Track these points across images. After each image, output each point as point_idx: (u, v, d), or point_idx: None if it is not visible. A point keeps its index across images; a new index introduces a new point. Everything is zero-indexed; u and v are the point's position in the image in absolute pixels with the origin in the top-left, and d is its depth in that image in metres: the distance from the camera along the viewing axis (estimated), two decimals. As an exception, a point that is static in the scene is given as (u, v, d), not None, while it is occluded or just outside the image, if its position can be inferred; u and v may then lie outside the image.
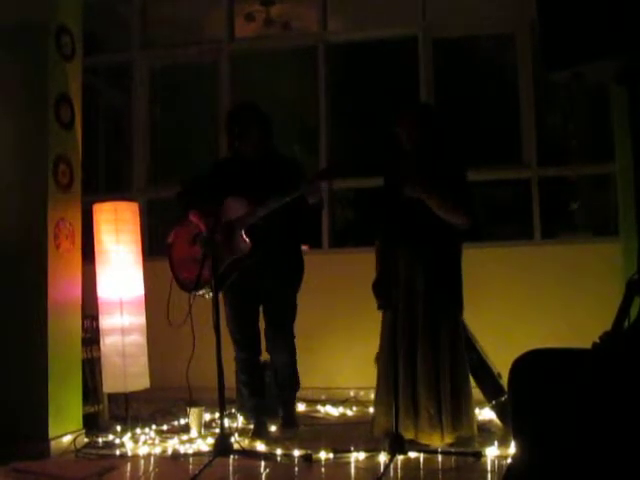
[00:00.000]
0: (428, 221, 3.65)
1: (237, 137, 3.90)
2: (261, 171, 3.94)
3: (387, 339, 3.71)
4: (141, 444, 3.91)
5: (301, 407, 4.90)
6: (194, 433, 4.09)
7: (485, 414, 4.35)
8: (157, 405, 4.75)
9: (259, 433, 3.98)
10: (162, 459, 3.68)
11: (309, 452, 3.52)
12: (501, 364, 3.97)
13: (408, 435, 3.56)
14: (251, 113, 3.99)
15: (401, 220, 3.65)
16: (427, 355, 3.64)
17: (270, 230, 3.82)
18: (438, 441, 3.61)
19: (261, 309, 4.10)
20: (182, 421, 4.41)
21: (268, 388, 4.18)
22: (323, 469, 3.42)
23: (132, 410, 4.27)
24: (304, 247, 4.32)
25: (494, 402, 4.02)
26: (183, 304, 3.78)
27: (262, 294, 4.00)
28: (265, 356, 4.18)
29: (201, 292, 3.82)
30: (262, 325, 4.14)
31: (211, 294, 3.77)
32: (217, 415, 3.71)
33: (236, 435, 3.78)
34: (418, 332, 3.66)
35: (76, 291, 4.04)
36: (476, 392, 4.05)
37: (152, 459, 3.68)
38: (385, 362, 3.70)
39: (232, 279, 3.84)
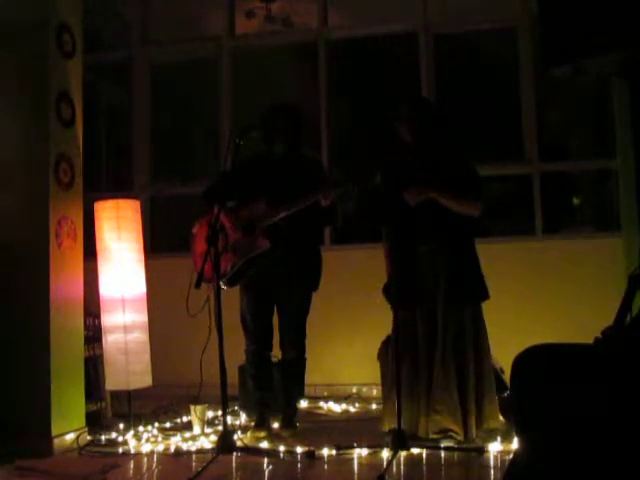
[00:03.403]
0: (440, 217, 3.66)
1: (271, 137, 4.00)
2: (287, 171, 4.01)
3: (406, 339, 3.70)
4: (144, 442, 3.92)
5: (304, 404, 4.91)
6: (197, 430, 4.10)
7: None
8: (160, 402, 4.75)
9: (261, 425, 4.00)
10: (165, 456, 3.69)
11: (312, 449, 3.52)
12: (503, 359, 3.97)
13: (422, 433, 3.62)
14: (288, 115, 4.05)
15: (417, 217, 3.67)
16: (447, 353, 3.64)
17: (290, 230, 3.88)
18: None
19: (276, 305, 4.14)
20: (185, 418, 4.42)
21: (275, 385, 4.18)
22: (326, 466, 3.42)
23: (135, 408, 4.27)
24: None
25: (497, 398, 4.01)
26: (200, 296, 3.77)
27: (279, 292, 4.03)
28: (276, 355, 4.21)
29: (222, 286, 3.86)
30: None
31: (225, 287, 3.88)
32: (220, 412, 3.71)
33: (239, 432, 3.79)
34: (438, 331, 3.66)
35: (78, 289, 4.04)
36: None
37: (155, 457, 3.69)
38: (406, 361, 3.70)
39: (250, 275, 3.92)
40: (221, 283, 3.81)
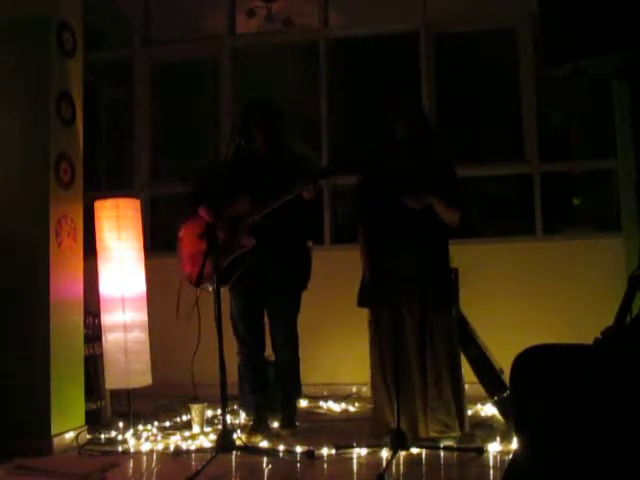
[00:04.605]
0: (423, 217, 3.64)
1: (245, 135, 3.93)
2: (272, 169, 3.97)
3: (392, 339, 3.67)
4: (143, 441, 3.92)
5: (303, 403, 4.92)
6: (196, 429, 4.10)
7: (487, 410, 4.36)
8: (159, 401, 4.75)
9: (257, 429, 3.99)
10: (164, 456, 3.69)
11: (311, 448, 3.52)
12: (503, 359, 3.97)
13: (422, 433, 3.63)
14: (263, 110, 4.00)
15: (398, 220, 3.65)
16: (438, 352, 3.65)
17: (274, 228, 3.86)
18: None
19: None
20: (184, 417, 4.42)
21: (271, 384, 4.18)
22: (325, 465, 3.42)
23: (134, 407, 4.26)
24: (308, 243, 4.33)
25: (496, 398, 4.02)
26: (190, 299, 3.79)
27: (267, 294, 4.01)
28: (269, 353, 4.19)
29: (209, 287, 3.84)
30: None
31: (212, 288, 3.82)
32: (219, 411, 3.71)
33: (238, 431, 3.79)
34: (427, 330, 3.66)
35: (78, 288, 4.04)
36: (479, 388, 4.05)
37: (154, 455, 3.69)
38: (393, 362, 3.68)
39: (237, 275, 3.88)
40: (208, 285, 3.81)
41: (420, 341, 3.65)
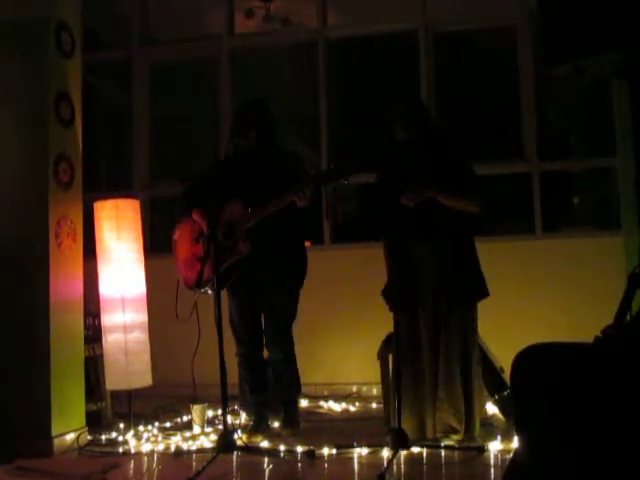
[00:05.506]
0: (441, 216, 3.63)
1: (240, 135, 3.91)
2: (263, 170, 3.94)
3: (407, 339, 3.67)
4: (144, 441, 3.92)
5: (304, 403, 4.91)
6: (197, 430, 4.10)
7: (488, 409, 4.35)
8: (160, 402, 4.75)
9: (258, 429, 3.99)
10: (165, 456, 3.69)
11: (312, 448, 3.52)
12: (503, 358, 3.97)
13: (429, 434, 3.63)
14: (254, 111, 3.99)
15: (415, 218, 3.64)
16: (451, 353, 3.63)
17: (269, 230, 3.84)
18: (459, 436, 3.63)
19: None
20: (185, 418, 4.42)
21: (270, 384, 4.17)
22: (326, 465, 3.42)
23: (135, 407, 4.26)
24: (306, 243, 4.32)
25: (497, 397, 4.02)
26: (187, 301, 3.79)
27: (264, 292, 4.00)
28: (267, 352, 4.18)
29: (205, 290, 3.83)
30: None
31: (211, 291, 3.82)
32: (220, 412, 3.71)
33: (239, 431, 3.78)
34: (442, 331, 3.64)
35: (78, 289, 4.04)
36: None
37: (155, 456, 3.69)
38: (410, 362, 3.67)
39: (234, 278, 3.86)
40: (207, 289, 3.80)
41: (434, 342, 3.65)
